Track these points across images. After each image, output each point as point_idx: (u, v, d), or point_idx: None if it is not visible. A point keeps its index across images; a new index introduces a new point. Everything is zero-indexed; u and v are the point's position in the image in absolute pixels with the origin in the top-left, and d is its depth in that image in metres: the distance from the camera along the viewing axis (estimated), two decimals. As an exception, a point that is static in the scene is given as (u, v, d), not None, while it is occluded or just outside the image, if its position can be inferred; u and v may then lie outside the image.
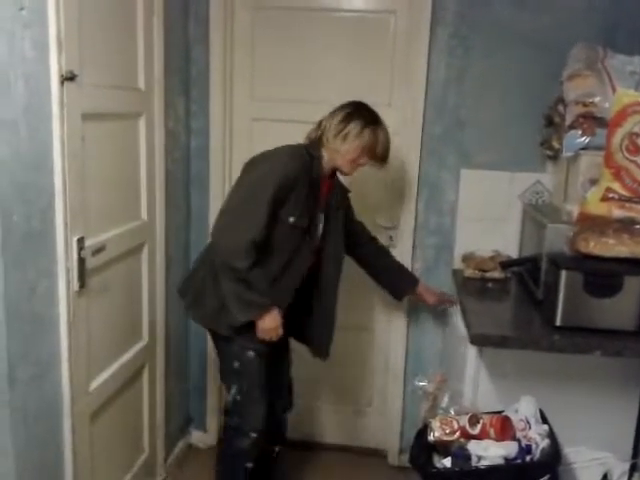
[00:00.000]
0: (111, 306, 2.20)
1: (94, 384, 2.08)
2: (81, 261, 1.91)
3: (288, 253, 2.13)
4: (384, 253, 2.55)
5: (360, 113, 2.18)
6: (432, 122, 2.69)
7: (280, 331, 2.13)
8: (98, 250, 2.03)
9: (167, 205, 2.56)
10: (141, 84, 2.31)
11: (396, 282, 2.54)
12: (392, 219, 2.82)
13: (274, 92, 2.80)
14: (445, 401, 2.00)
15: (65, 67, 1.76)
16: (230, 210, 2.07)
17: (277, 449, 2.46)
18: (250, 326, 2.10)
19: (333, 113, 2.21)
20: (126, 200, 2.30)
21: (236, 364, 2.18)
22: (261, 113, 2.82)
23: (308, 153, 2.16)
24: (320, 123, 2.22)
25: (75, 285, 1.90)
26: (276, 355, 2.28)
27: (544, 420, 1.91)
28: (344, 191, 2.37)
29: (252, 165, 2.16)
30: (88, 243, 1.95)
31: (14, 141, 1.59)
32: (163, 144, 2.49)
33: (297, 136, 2.77)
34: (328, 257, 2.28)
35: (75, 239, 1.88)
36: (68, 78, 1.78)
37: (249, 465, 2.23)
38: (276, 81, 2.79)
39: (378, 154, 2.19)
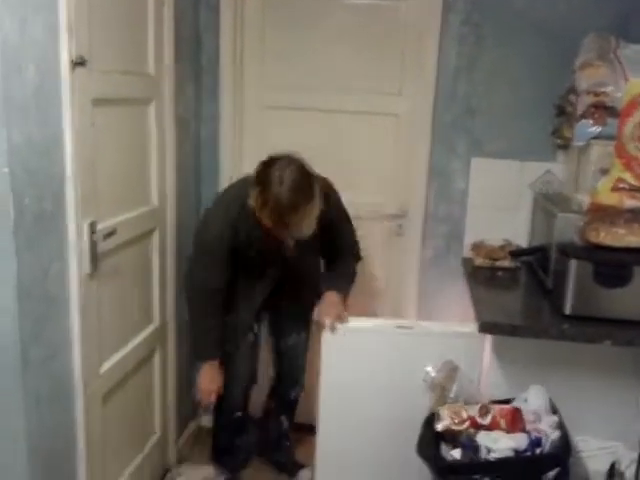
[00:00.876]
0: (122, 289, 2.21)
1: (106, 366, 2.10)
2: (92, 244, 1.92)
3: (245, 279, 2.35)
4: (339, 265, 2.42)
5: (257, 174, 2.04)
6: (443, 110, 2.68)
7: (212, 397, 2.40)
8: (109, 234, 2.05)
9: (177, 191, 2.57)
10: (151, 69, 2.32)
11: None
12: (401, 208, 2.82)
13: (285, 79, 2.80)
14: (454, 391, 2.01)
15: (75, 52, 1.76)
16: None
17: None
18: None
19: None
20: (137, 185, 2.31)
21: None
22: (271, 101, 2.82)
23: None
24: None
25: (87, 268, 1.92)
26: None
27: (554, 410, 1.92)
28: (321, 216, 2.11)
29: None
30: (99, 227, 1.96)
31: (25, 125, 1.60)
32: (173, 130, 2.50)
33: (307, 124, 2.80)
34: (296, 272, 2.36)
35: (87, 223, 1.89)
36: (78, 63, 1.78)
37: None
38: (287, 68, 2.79)
39: (263, 218, 2.00)
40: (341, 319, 2.13)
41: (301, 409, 2.72)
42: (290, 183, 1.96)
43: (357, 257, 2.42)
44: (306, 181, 2.02)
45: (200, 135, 2.83)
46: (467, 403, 1.96)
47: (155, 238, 2.45)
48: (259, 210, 1.99)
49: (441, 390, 2.01)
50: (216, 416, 2.62)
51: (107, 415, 2.13)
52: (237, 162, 2.87)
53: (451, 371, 2.03)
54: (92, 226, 1.92)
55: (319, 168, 2.80)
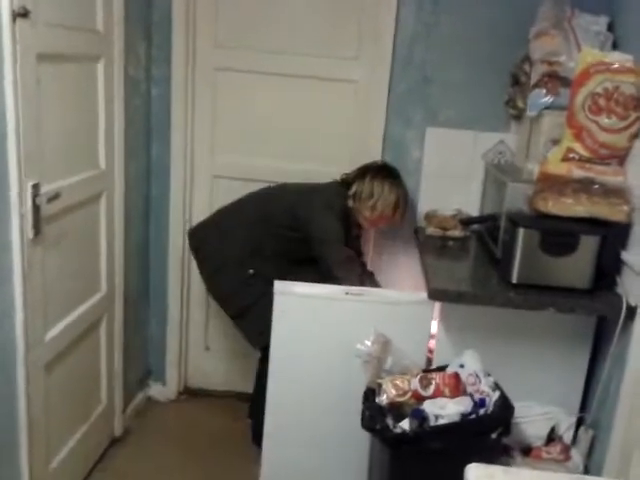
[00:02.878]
0: (68, 255, 2.15)
1: (50, 334, 2.05)
2: (36, 208, 1.86)
3: None
4: None
5: (385, 176, 2.48)
6: (399, 78, 2.66)
7: None
8: (54, 197, 1.98)
9: (126, 154, 2.50)
10: (100, 26, 2.22)
11: None
12: (356, 176, 2.80)
13: (239, 40, 2.73)
14: (388, 363, 2.03)
15: (17, 1, 1.67)
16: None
17: None
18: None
19: (360, 176, 2.50)
20: (83, 147, 2.23)
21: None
22: (225, 62, 2.75)
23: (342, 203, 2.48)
24: (349, 184, 2.50)
25: (29, 232, 1.85)
26: None
27: (487, 373, 1.95)
28: None
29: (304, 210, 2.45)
30: (43, 190, 1.90)
31: (-39, 79, 1.52)
32: (122, 90, 2.41)
33: (261, 88, 2.74)
34: None
35: (30, 185, 1.83)
36: (20, 14, 1.69)
37: None
38: (241, 29, 2.71)
39: (399, 214, 2.51)
40: None
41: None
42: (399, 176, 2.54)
43: None
44: None
45: (151, 96, 2.75)
46: (402, 374, 1.98)
47: (102, 203, 2.38)
48: (392, 209, 2.47)
49: (377, 362, 2.02)
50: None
51: (50, 384, 2.08)
52: (189, 125, 2.80)
53: (384, 344, 2.04)
54: (35, 188, 1.85)
55: (272, 135, 2.79)
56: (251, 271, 2.44)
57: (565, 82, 2.14)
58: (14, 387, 1.88)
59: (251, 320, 2.46)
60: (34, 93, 1.82)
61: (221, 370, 3.04)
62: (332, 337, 2.14)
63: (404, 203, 2.51)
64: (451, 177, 2.71)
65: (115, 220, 2.48)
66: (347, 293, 2.16)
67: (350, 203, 2.47)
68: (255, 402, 2.60)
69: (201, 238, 2.58)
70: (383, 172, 2.50)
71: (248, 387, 2.75)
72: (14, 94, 1.72)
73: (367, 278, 2.51)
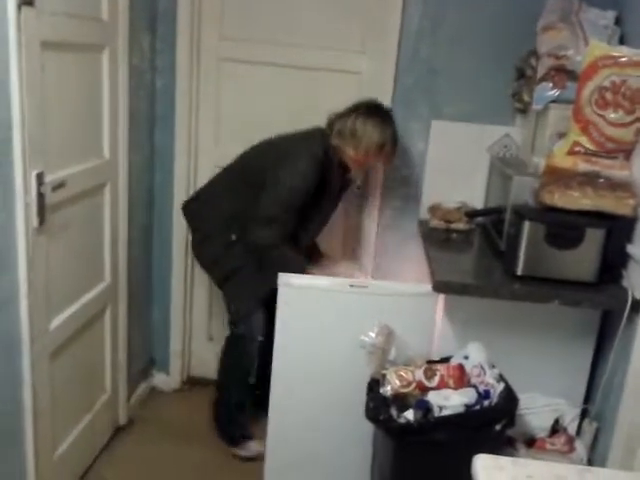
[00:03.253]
0: (72, 245, 2.15)
1: (54, 323, 2.05)
2: (40, 196, 1.85)
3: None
4: None
5: (372, 114, 2.34)
6: (405, 71, 2.65)
7: None
8: (58, 186, 1.97)
9: (130, 144, 2.49)
10: (104, 15, 2.21)
11: None
12: (360, 168, 2.80)
13: (244, 32, 2.71)
14: (392, 354, 2.03)
15: (23, -10, 1.67)
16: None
17: None
18: None
19: (347, 114, 2.36)
20: (88, 137, 2.23)
21: None
22: (229, 53, 2.74)
23: (324, 146, 2.35)
24: (332, 122, 2.39)
25: (34, 221, 1.85)
26: None
27: (492, 365, 1.96)
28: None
29: (278, 160, 2.34)
30: (48, 179, 1.89)
31: (-33, 66, 1.51)
32: (127, 80, 2.40)
33: (266, 79, 2.73)
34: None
35: (34, 173, 1.82)
36: (25, 2, 1.69)
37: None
38: (246, 21, 2.70)
39: (385, 154, 2.38)
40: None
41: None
42: (391, 117, 2.40)
43: None
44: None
45: (155, 86, 2.74)
46: (406, 365, 1.98)
47: (107, 192, 2.38)
48: (368, 144, 2.31)
49: (381, 353, 2.03)
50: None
51: (55, 373, 2.08)
52: (193, 116, 2.79)
53: (388, 335, 2.05)
54: (40, 177, 1.85)
55: (276, 126, 2.78)
56: (234, 237, 2.40)
57: (572, 76, 2.13)
58: (19, 375, 1.89)
59: (232, 287, 2.46)
60: (39, 81, 1.81)
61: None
62: (336, 329, 2.14)
63: (391, 143, 2.35)
64: (456, 170, 2.70)
65: (119, 210, 2.47)
66: (352, 285, 2.16)
67: (334, 141, 2.34)
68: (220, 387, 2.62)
69: (192, 209, 2.57)
70: (370, 110, 2.35)
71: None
72: (19, 82, 1.72)
73: (289, 256, 2.33)
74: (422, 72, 2.65)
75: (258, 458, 2.42)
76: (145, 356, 2.96)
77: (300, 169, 2.28)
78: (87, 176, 2.21)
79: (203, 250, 2.54)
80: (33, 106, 1.79)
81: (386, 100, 2.67)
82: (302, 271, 2.23)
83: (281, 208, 2.28)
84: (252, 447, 2.54)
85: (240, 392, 2.54)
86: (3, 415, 1.84)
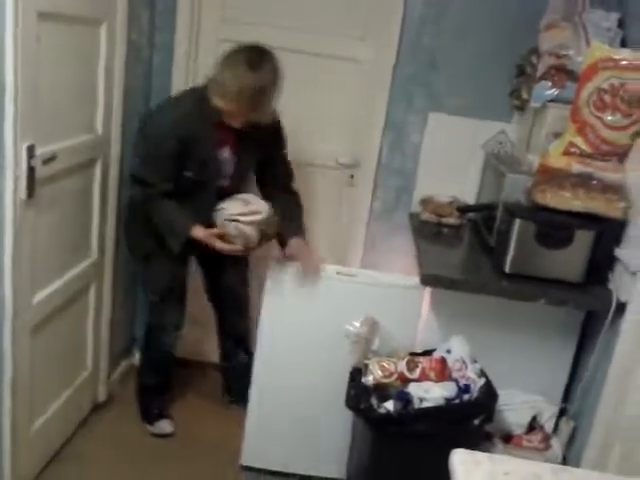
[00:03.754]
0: (60, 219, 2.13)
1: (38, 297, 2.04)
2: (30, 169, 1.83)
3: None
4: (289, 206, 2.38)
5: (236, 65, 2.04)
6: (404, 61, 2.63)
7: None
8: (49, 159, 1.95)
9: (124, 122, 2.46)
10: (103, -13, 2.18)
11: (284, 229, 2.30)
12: (355, 158, 2.79)
13: (244, 14, 2.68)
14: (376, 344, 2.04)
15: (20, -42, 1.64)
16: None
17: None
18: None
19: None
20: (81, 111, 2.20)
21: None
22: (229, 35, 2.70)
23: (197, 100, 2.14)
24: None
25: (23, 193, 1.83)
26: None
27: (474, 360, 1.97)
28: (269, 127, 2.23)
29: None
30: (39, 151, 1.87)
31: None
32: (124, 56, 2.37)
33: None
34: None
35: (25, 146, 1.80)
36: (24, -29, 1.66)
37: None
38: (248, 3, 2.67)
39: (245, 106, 2.06)
40: (321, 264, 2.20)
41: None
42: (259, 63, 2.04)
43: (297, 191, 2.45)
44: (273, 64, 2.08)
45: (152, 64, 2.71)
46: (389, 356, 1.99)
47: (97, 169, 2.35)
48: (227, 92, 2.03)
49: (364, 343, 2.03)
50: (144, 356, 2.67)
51: (36, 348, 2.07)
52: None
53: (372, 325, 2.05)
54: (31, 150, 1.83)
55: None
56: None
57: (572, 76, 2.12)
58: (0, 349, 1.87)
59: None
60: (34, 53, 1.79)
61: (206, 341, 3.03)
62: (321, 316, 2.14)
63: (251, 94, 2.02)
64: (449, 164, 2.70)
65: (109, 186, 2.45)
66: (338, 273, 2.16)
67: (209, 94, 2.08)
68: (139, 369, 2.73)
69: None
70: (239, 56, 2.05)
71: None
72: (14, 52, 1.69)
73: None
74: (422, 63, 2.63)
75: (168, 436, 2.55)
76: (127, 334, 2.95)
77: (158, 122, 2.18)
78: (78, 151, 2.18)
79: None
80: (27, 78, 1.76)
81: (384, 89, 2.66)
82: (185, 232, 2.17)
83: (143, 164, 2.21)
84: (163, 426, 2.57)
85: (152, 375, 2.61)
86: (-18, 387, 1.83)
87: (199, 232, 2.15)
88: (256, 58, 2.03)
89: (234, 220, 2.12)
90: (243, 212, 2.13)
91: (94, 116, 2.29)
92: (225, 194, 2.23)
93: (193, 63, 2.74)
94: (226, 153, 2.23)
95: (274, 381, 2.22)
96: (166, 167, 2.14)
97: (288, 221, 2.28)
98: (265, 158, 2.35)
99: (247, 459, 2.32)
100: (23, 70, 1.73)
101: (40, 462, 2.22)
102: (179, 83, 2.72)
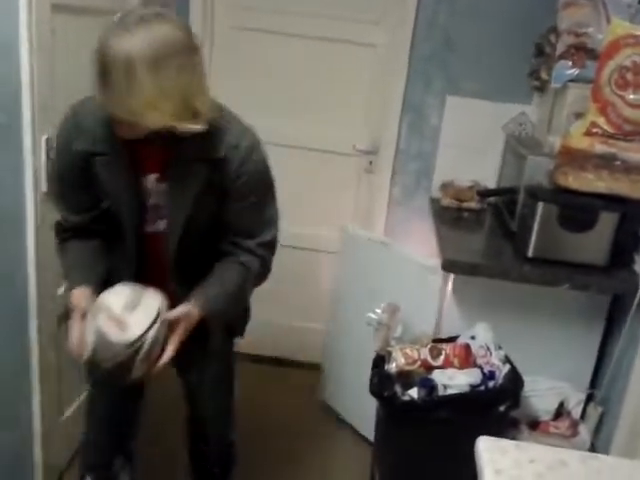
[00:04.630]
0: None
1: (62, 288, 2.05)
2: (49, 162, 1.84)
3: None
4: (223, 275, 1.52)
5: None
6: (421, 44, 2.59)
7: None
8: (67, 152, 1.95)
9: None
10: (117, -21, 2.17)
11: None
12: (373, 144, 2.77)
13: (259, 0, 2.67)
14: (398, 331, 2.03)
15: (33, -51, 1.63)
16: None
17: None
18: None
19: None
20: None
21: None
22: (243, 22, 2.70)
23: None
24: None
25: (43, 186, 1.84)
26: None
27: (499, 346, 1.95)
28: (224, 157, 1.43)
29: None
30: (57, 144, 1.87)
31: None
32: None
33: (279, 49, 2.69)
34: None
35: (44, 138, 1.81)
36: (37, -37, 1.65)
37: None
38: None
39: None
40: (165, 359, 1.39)
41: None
42: (130, 25, 1.23)
43: (264, 265, 1.55)
44: (158, 35, 1.24)
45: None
46: (411, 343, 1.98)
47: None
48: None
49: (387, 330, 2.02)
50: None
51: (62, 337, 2.08)
52: (205, 86, 2.75)
53: (394, 312, 2.04)
54: (49, 142, 1.83)
55: (288, 97, 2.74)
56: None
57: (592, 54, 2.07)
58: (27, 338, 1.90)
59: None
60: (49, 44, 1.79)
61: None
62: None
63: (102, 67, 1.28)
64: (469, 147, 2.66)
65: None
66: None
67: None
68: None
69: None
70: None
71: (262, 349, 2.80)
72: (29, 45, 1.69)
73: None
74: (439, 45, 2.59)
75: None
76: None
77: (59, 130, 1.52)
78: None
79: None
80: (43, 70, 1.76)
81: (401, 73, 2.62)
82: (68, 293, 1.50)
83: (50, 186, 1.75)
84: None
85: None
86: (12, 377, 1.85)
87: (75, 300, 1.44)
88: (132, 20, 1.25)
89: (97, 331, 1.34)
90: (115, 318, 1.34)
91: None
92: (162, 245, 1.50)
93: (207, 51, 2.72)
94: (151, 183, 1.47)
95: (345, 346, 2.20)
96: (69, 192, 1.52)
97: (210, 281, 1.49)
98: (226, 212, 1.50)
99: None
100: (39, 63, 1.74)
101: (70, 451, 2.24)
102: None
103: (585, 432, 2.05)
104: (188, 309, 1.43)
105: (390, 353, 1.95)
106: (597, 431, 2.07)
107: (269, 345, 2.99)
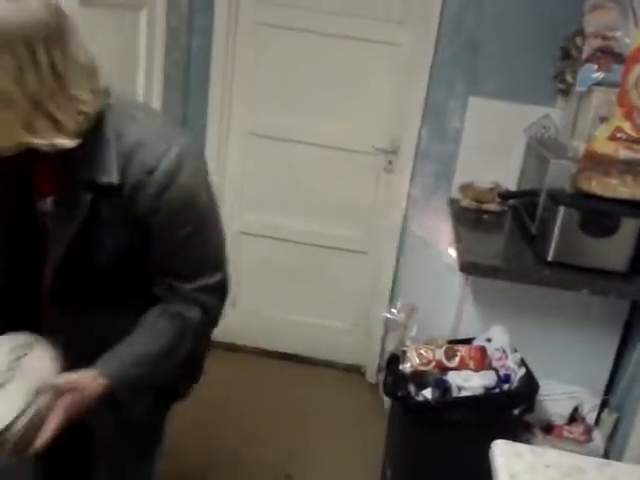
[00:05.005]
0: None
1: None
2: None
3: None
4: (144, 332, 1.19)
5: None
6: (445, 44, 2.58)
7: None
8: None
9: (163, 107, 2.48)
10: (144, -28, 2.19)
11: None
12: (393, 143, 2.76)
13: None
14: (414, 331, 2.02)
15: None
16: None
17: None
18: None
19: None
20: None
21: None
22: (268, 18, 2.70)
23: None
24: None
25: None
26: None
27: (514, 349, 1.94)
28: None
29: None
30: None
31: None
32: (163, 41, 2.39)
33: (303, 46, 2.69)
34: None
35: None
36: (65, -44, 1.66)
37: None
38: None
39: None
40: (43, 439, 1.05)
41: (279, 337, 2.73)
42: None
43: (207, 314, 1.21)
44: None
45: (191, 48, 2.71)
46: (427, 343, 1.97)
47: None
48: None
49: (403, 329, 2.02)
50: None
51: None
52: (228, 80, 2.77)
53: (410, 312, 2.04)
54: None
55: (309, 95, 2.74)
56: None
57: (619, 58, 2.05)
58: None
59: None
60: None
61: (248, 326, 3.06)
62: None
63: None
64: (490, 149, 2.64)
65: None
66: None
67: None
68: None
69: None
70: None
71: (275, 344, 2.79)
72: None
73: None
74: (463, 46, 2.57)
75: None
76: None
77: None
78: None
79: None
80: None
81: (423, 73, 2.61)
82: None
83: None
84: None
85: None
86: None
87: None
88: None
89: None
90: None
91: (135, 101, 2.30)
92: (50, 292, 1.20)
93: (232, 46, 2.73)
94: (47, 206, 1.16)
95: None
96: None
97: (119, 347, 1.16)
98: (156, 251, 1.18)
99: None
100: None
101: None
102: (217, 69, 2.73)
103: (599, 438, 2.04)
104: (83, 378, 1.09)
105: (405, 353, 1.95)
106: (611, 437, 2.05)
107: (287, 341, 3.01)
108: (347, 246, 2.89)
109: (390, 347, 2.03)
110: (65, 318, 1.21)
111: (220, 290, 1.23)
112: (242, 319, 2.94)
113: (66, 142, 1.00)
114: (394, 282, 2.88)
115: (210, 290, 1.20)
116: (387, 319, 2.03)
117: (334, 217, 2.87)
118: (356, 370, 3.06)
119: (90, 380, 1.10)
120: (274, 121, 2.80)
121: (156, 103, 2.42)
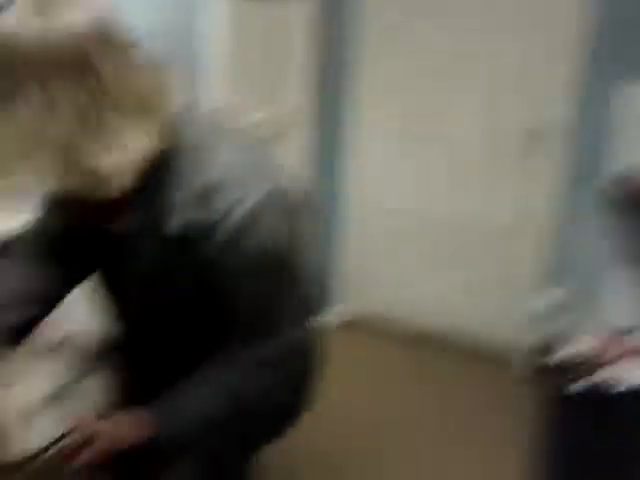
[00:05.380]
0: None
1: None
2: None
3: None
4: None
5: None
6: (598, 24, 2.42)
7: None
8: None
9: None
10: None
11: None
12: (538, 127, 2.63)
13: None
14: (566, 320, 1.94)
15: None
16: None
17: None
18: None
19: None
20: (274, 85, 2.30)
21: None
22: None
23: None
24: None
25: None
26: None
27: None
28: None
29: None
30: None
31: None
32: (322, 33, 2.48)
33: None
34: None
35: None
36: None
37: None
38: None
39: None
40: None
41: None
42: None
43: (270, 366, 1.03)
44: None
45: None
46: (582, 334, 1.89)
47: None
48: None
49: (552, 319, 1.95)
50: None
51: None
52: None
53: (558, 301, 1.96)
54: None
55: (455, 73, 2.66)
56: None
57: None
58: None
59: None
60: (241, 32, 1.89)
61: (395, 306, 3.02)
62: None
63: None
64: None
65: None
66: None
67: None
68: None
69: None
70: None
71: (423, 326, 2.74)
72: (229, 33, 1.79)
73: None
74: (619, 26, 2.40)
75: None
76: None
77: None
78: (270, 124, 2.28)
79: None
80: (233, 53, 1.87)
81: (573, 56, 2.48)
82: None
83: None
84: None
85: None
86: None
87: None
88: None
89: None
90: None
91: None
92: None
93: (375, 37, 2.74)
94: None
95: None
96: None
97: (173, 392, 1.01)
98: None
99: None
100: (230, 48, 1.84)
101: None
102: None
103: None
104: (121, 421, 0.95)
105: (558, 343, 1.88)
106: None
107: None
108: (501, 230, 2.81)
109: (545, 334, 1.95)
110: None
111: (278, 363, 1.03)
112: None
113: (105, 193, 0.85)
114: (550, 268, 2.65)
115: (268, 364, 1.02)
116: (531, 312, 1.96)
117: (489, 197, 2.80)
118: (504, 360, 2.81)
119: (134, 425, 0.94)
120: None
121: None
